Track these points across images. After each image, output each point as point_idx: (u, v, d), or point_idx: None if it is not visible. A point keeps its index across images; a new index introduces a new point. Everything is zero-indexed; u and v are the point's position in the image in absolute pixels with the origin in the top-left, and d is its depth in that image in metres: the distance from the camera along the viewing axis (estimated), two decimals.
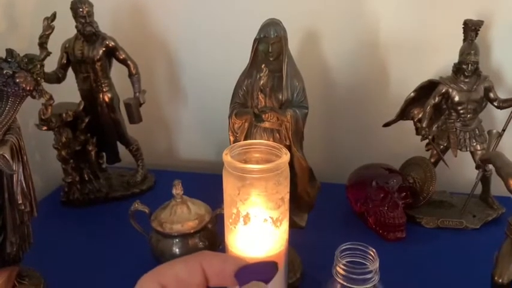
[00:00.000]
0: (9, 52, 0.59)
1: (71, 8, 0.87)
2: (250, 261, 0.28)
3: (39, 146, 1.01)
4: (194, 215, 0.71)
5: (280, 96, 0.65)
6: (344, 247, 0.55)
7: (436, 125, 0.90)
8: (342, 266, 0.53)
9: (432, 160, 0.90)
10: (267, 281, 0.27)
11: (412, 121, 0.91)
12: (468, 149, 0.87)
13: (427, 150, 0.91)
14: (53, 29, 0.72)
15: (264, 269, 0.27)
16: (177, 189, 0.72)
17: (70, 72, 0.93)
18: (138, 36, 1.05)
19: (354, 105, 1.02)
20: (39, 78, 0.60)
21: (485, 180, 0.89)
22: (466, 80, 0.84)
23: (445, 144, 0.88)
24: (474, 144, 0.86)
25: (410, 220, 0.86)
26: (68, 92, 0.93)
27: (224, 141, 0.71)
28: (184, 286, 0.27)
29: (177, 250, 0.70)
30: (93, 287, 0.73)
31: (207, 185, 0.70)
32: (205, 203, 0.75)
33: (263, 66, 0.64)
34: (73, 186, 0.95)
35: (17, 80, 0.57)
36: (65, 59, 0.91)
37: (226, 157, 0.55)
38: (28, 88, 0.59)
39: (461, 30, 0.84)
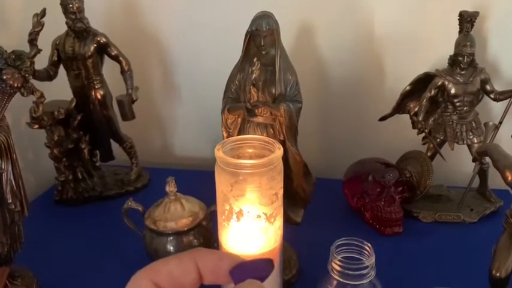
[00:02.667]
0: None
1: (61, 4, 0.86)
2: (245, 258, 0.27)
3: (32, 145, 1.00)
4: (188, 213, 0.70)
5: (273, 91, 0.64)
6: (339, 242, 0.54)
7: (432, 118, 0.89)
8: (338, 262, 0.52)
9: (429, 154, 0.89)
10: (262, 279, 0.26)
11: (408, 115, 0.90)
12: (465, 142, 0.86)
13: (424, 143, 0.90)
14: (42, 25, 0.70)
15: (259, 267, 0.26)
16: (171, 187, 0.71)
17: (62, 70, 0.92)
18: (131, 32, 1.04)
19: (349, 99, 1.01)
20: (27, 75, 0.59)
21: (482, 173, 0.88)
22: (462, 72, 0.83)
23: (442, 138, 0.87)
24: (471, 137, 0.85)
25: (408, 215, 0.85)
26: (59, 90, 0.92)
27: (220, 137, 0.70)
28: (178, 283, 0.27)
29: (171, 248, 0.70)
30: (87, 286, 0.72)
31: (202, 182, 0.69)
32: (201, 200, 0.75)
33: (255, 59, 0.62)
34: (66, 185, 0.94)
35: (4, 77, 0.57)
36: (56, 56, 0.90)
37: (219, 152, 0.54)
38: (16, 85, 0.58)
39: (457, 22, 0.83)
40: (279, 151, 0.54)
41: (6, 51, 0.59)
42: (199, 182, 0.74)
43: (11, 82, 0.57)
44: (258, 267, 0.26)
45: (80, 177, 0.95)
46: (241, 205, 0.54)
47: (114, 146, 1.01)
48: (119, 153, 1.02)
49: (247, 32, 0.64)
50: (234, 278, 0.26)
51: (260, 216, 0.54)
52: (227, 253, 0.27)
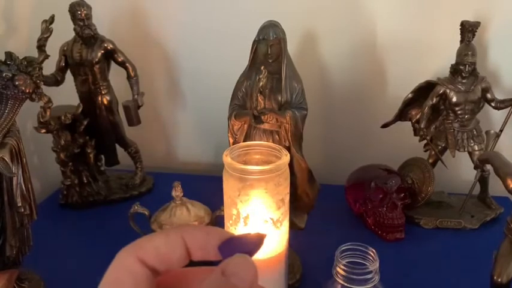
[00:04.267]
0: (9, 55, 0.59)
1: (69, 11, 0.87)
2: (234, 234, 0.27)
3: (38, 149, 1.01)
4: (194, 217, 0.71)
5: (279, 98, 0.65)
6: (344, 247, 0.55)
7: (434, 126, 0.90)
8: (342, 267, 0.53)
9: (430, 161, 0.90)
10: (251, 254, 0.25)
11: (410, 122, 0.91)
12: (466, 150, 0.87)
13: (425, 151, 0.92)
14: (51, 31, 0.72)
15: (248, 242, 0.25)
16: (177, 191, 0.72)
17: (69, 75, 0.93)
18: (137, 39, 1.05)
19: (352, 106, 1.03)
20: (38, 81, 0.61)
21: (483, 180, 0.89)
22: (464, 80, 0.84)
23: (443, 145, 0.89)
24: (472, 144, 0.87)
25: (409, 221, 0.86)
26: (66, 95, 0.94)
27: (223, 142, 0.71)
28: (164, 260, 0.25)
29: None
30: None
31: (206, 187, 0.70)
32: (205, 204, 0.75)
33: (262, 68, 0.64)
34: (72, 189, 0.95)
35: (17, 83, 0.58)
36: (63, 62, 0.91)
37: (227, 158, 0.55)
38: (27, 91, 0.59)
39: (459, 32, 0.85)
40: (286, 157, 0.56)
41: (18, 57, 0.60)
42: (203, 186, 0.75)
43: (23, 88, 0.58)
44: (247, 242, 0.25)
45: (85, 181, 0.96)
46: (248, 210, 0.55)
47: (119, 150, 1.02)
48: (123, 157, 1.03)
49: (255, 40, 0.65)
50: (222, 253, 0.25)
51: (267, 221, 0.55)
52: (215, 228, 0.26)
